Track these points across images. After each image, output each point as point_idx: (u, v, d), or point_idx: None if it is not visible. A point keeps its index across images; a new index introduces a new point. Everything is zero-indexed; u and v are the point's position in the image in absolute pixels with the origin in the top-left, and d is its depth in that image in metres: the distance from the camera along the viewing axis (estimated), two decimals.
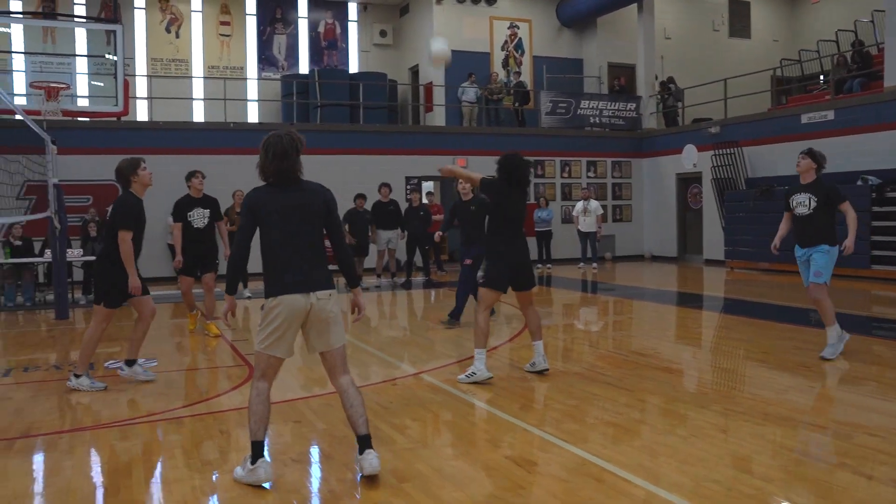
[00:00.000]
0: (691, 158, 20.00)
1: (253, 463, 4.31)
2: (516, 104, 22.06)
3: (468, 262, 10.05)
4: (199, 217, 9.47)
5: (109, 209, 7.19)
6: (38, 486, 4.51)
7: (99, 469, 4.83)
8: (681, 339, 9.61)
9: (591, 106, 21.98)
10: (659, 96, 22.33)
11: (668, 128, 21.99)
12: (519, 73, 23.20)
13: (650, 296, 13.89)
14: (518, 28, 23.24)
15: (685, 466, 4.53)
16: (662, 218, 21.56)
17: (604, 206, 20.26)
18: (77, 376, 6.81)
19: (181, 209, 9.49)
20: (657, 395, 6.34)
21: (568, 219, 20.62)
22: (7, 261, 13.20)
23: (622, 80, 22.94)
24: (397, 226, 15.37)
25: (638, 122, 22.41)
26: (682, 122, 22.01)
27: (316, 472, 4.74)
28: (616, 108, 22.22)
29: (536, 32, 23.40)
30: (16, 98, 17.24)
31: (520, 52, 23.33)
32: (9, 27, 19.82)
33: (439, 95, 21.90)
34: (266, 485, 4.30)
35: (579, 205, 18.42)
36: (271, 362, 4.39)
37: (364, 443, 4.40)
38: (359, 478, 4.41)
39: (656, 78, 22.68)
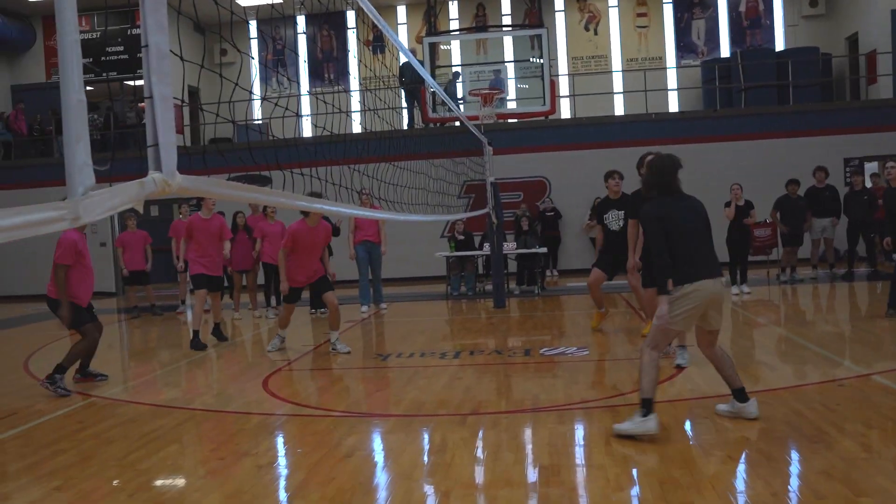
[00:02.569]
0: None
1: (645, 416, 4.89)
2: None
3: None
4: (614, 219, 9.00)
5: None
6: (485, 459, 4.87)
7: (535, 449, 5.07)
8: None
9: None
10: None
11: None
12: None
13: None
14: None
15: None
16: None
17: None
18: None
19: (598, 211, 9.42)
20: None
21: None
22: (452, 253, 14.66)
23: None
24: (834, 213, 14.01)
25: None
26: None
27: (755, 471, 4.46)
28: None
29: None
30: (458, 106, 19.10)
31: None
32: (449, 44, 22.01)
33: (885, 64, 19.51)
34: (651, 427, 4.86)
35: None
36: (670, 335, 5.19)
37: (744, 393, 5.23)
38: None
39: None
